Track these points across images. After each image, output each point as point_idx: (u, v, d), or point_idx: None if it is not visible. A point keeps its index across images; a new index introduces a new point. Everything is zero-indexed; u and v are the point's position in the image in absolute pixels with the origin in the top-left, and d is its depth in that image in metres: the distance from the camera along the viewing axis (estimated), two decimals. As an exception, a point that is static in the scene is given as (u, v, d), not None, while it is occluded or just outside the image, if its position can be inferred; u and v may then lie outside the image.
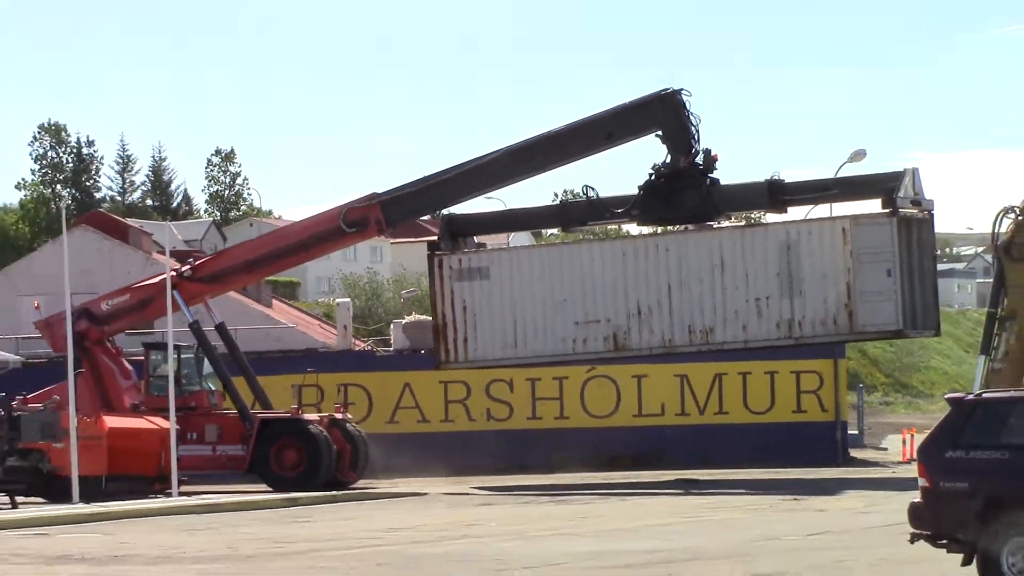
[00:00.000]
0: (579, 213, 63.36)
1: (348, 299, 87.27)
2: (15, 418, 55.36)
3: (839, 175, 61.00)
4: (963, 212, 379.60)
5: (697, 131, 58.53)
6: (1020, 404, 24.83)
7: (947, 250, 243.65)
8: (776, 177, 59.62)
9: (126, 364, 60.52)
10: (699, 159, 58.54)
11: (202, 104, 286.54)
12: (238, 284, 65.91)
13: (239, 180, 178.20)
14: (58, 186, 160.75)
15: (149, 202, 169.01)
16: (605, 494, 55.11)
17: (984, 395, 25.75)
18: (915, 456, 26.32)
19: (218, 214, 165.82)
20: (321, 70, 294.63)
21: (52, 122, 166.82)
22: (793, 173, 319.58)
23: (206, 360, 61.81)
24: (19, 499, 53.35)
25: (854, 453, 73.38)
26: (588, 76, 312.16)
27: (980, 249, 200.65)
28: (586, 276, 60.31)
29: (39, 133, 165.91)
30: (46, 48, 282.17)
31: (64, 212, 68.68)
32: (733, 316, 58.73)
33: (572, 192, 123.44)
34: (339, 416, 61.32)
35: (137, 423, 58.74)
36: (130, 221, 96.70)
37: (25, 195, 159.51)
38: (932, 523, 24.08)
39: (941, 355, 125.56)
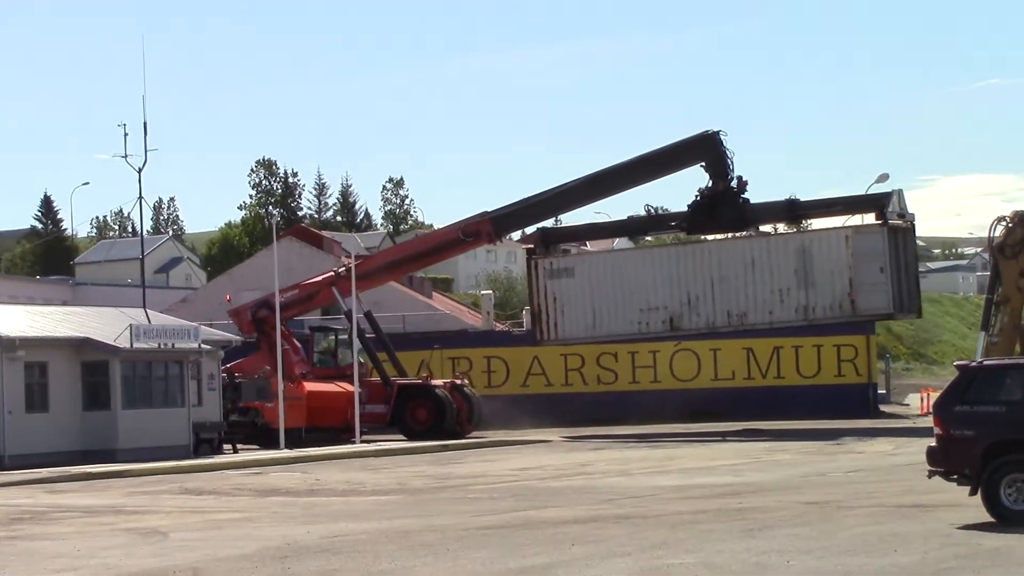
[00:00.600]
0: (642, 226, 65.43)
1: (490, 291, 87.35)
2: (237, 384, 55.67)
3: (868, 192, 61.02)
4: (967, 221, 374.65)
5: (732, 162, 59.82)
6: (1013, 369, 24.64)
7: (953, 249, 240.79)
8: (793, 197, 60.54)
9: (296, 342, 60.85)
10: (733, 183, 59.72)
11: (380, 138, 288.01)
12: (381, 282, 66.37)
13: (407, 201, 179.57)
14: (270, 207, 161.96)
15: (339, 218, 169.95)
16: (689, 441, 54.75)
17: (984, 362, 25.62)
18: (931, 410, 25.91)
19: (391, 227, 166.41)
20: (470, 108, 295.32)
21: (265, 158, 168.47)
22: (828, 191, 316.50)
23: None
24: (239, 446, 53.66)
25: (883, 408, 72.69)
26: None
27: (979, 249, 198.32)
28: (648, 274, 61.21)
29: (255, 167, 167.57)
30: (260, 98, 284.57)
31: (274, 227, 68.94)
32: (762, 303, 59.74)
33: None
34: (459, 382, 61.48)
35: (329, 387, 58.97)
36: (324, 233, 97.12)
37: (245, 214, 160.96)
38: (945, 462, 23.78)
39: (950, 332, 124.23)
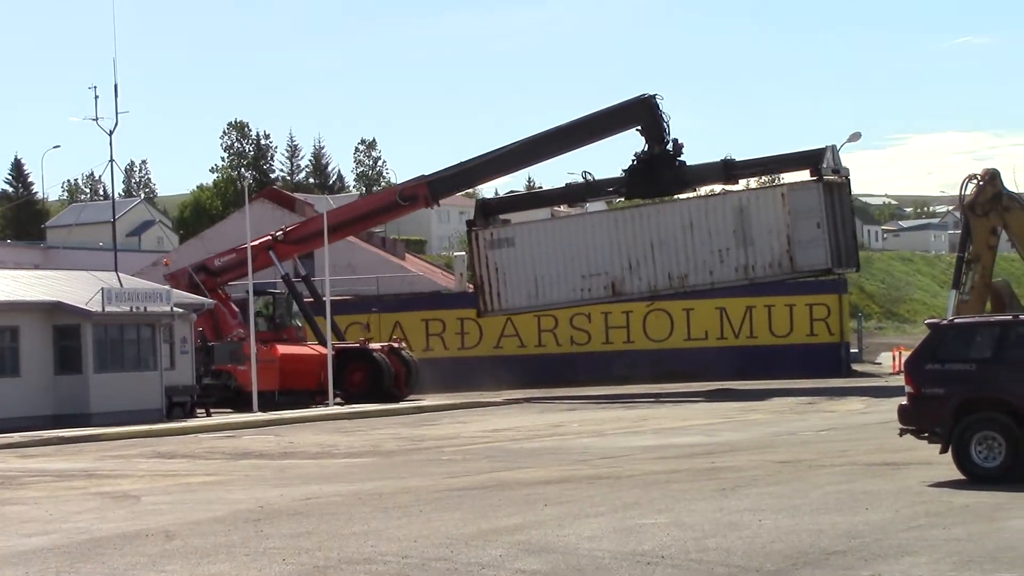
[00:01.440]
0: (580, 193, 64.85)
1: (463, 253, 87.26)
2: (209, 347, 55.58)
3: (840, 153, 61.09)
4: (939, 179, 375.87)
5: (668, 125, 60.40)
6: (983, 327, 24.70)
7: (925, 208, 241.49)
8: (728, 157, 60.85)
9: (233, 306, 60.73)
10: (669, 146, 60.18)
11: (352, 101, 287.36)
12: (319, 245, 66.36)
13: (380, 162, 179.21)
14: (242, 169, 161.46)
15: (312, 180, 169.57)
16: (662, 401, 54.90)
17: (955, 320, 25.65)
18: (902, 368, 25.97)
19: (364, 189, 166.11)
20: (442, 73, 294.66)
21: (237, 120, 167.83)
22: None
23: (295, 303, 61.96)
24: (212, 410, 53.57)
25: (855, 367, 72.94)
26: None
27: (951, 207, 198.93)
28: (588, 240, 61.48)
29: (227, 128, 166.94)
30: (231, 59, 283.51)
31: (246, 189, 68.76)
32: (702, 264, 60.13)
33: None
34: (396, 345, 61.32)
35: (302, 350, 58.93)
36: (297, 195, 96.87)
37: (217, 177, 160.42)
38: (916, 420, 23.87)
39: (922, 290, 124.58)
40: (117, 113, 60.74)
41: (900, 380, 25.66)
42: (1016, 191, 54.31)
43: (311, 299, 61.75)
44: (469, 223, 64.55)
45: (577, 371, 69.69)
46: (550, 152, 63.61)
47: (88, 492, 26.26)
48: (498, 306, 63.13)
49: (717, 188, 68.41)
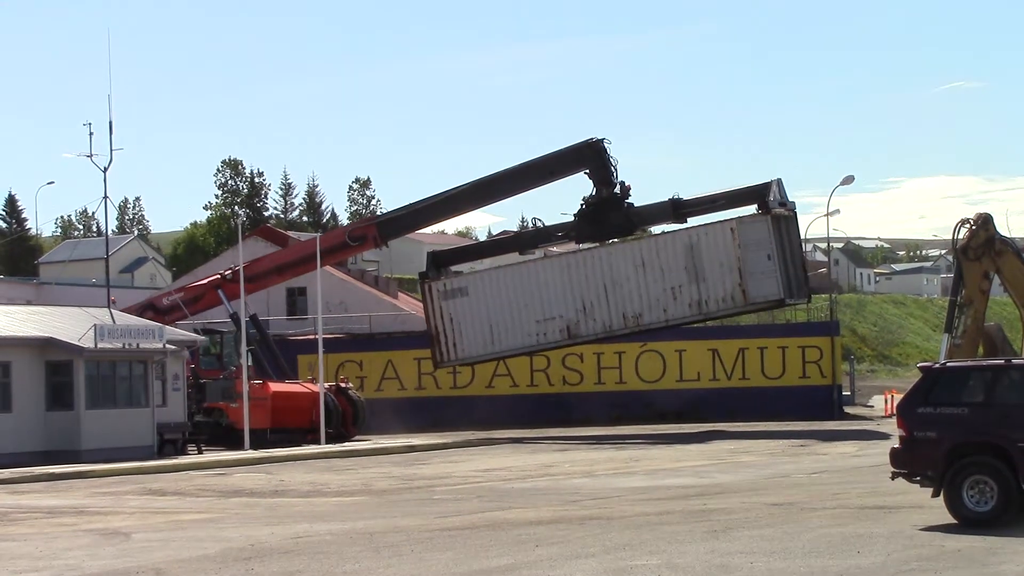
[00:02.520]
0: (530, 239, 65.29)
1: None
2: (201, 384, 55.50)
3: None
4: (931, 223, 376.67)
5: (616, 169, 60.95)
6: (976, 371, 24.70)
7: (918, 251, 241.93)
8: (676, 196, 61.55)
9: None
10: (618, 189, 60.76)
11: (347, 140, 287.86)
12: (269, 284, 66.40)
13: (374, 201, 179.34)
14: (236, 207, 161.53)
15: (305, 219, 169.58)
16: (654, 442, 54.79)
17: (948, 364, 25.66)
18: (895, 412, 25.95)
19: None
20: (437, 112, 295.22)
21: (231, 158, 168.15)
22: (799, 194, 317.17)
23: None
24: (204, 447, 53.46)
25: (847, 410, 72.96)
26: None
27: (943, 251, 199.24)
28: (541, 285, 61.67)
29: (221, 166, 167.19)
30: (226, 97, 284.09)
31: (240, 227, 68.74)
32: (656, 302, 60.37)
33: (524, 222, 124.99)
34: (343, 385, 61.03)
35: (294, 388, 58.83)
36: (291, 233, 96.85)
37: (210, 214, 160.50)
38: (908, 464, 23.85)
39: (914, 333, 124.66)
40: (111, 150, 60.62)
41: (892, 423, 25.66)
42: (1008, 236, 54.37)
43: (260, 338, 61.21)
44: (421, 275, 64.74)
45: (569, 411, 69.64)
46: (499, 194, 64.40)
47: (79, 529, 26.18)
48: (454, 356, 63.16)
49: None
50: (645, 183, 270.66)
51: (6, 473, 40.93)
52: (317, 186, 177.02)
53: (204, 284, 64.64)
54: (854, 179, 77.59)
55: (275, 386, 57.32)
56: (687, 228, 62.47)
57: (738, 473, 37.39)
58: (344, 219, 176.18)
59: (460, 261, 69.25)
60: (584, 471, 40.08)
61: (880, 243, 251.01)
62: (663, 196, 61.97)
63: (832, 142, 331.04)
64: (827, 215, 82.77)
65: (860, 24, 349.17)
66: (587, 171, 60.97)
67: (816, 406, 69.10)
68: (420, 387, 70.75)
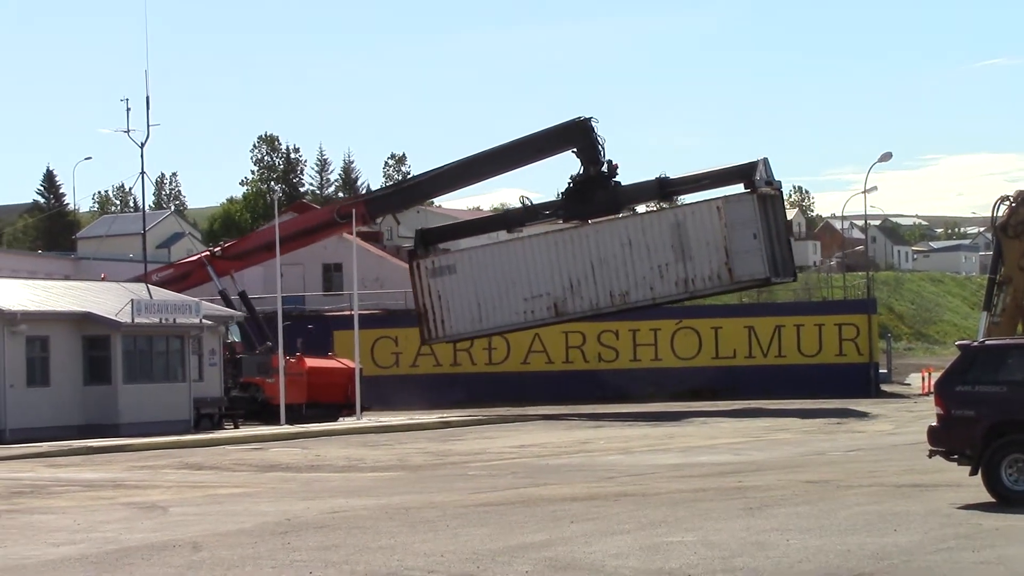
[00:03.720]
0: (518, 217, 65.44)
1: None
2: (237, 359, 55.69)
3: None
4: (970, 200, 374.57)
5: (603, 147, 61.13)
6: (1015, 349, 24.55)
7: (956, 229, 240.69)
8: (663, 175, 61.68)
9: None
10: (605, 168, 60.87)
11: (383, 115, 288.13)
12: (258, 261, 66.50)
13: (409, 177, 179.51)
14: (272, 182, 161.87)
15: (341, 195, 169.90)
16: (689, 419, 54.75)
17: (987, 342, 25.49)
18: (932, 390, 25.85)
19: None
20: (473, 87, 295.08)
21: (267, 133, 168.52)
22: (836, 171, 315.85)
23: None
24: (240, 422, 53.68)
25: (884, 387, 72.77)
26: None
27: (982, 229, 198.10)
28: (529, 263, 61.78)
29: (257, 142, 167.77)
30: (262, 73, 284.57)
31: (276, 202, 68.87)
32: (642, 280, 60.40)
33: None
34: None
35: (330, 363, 58.98)
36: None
37: (247, 190, 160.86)
38: (946, 442, 23.73)
39: (952, 311, 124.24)
40: (149, 125, 60.68)
41: (930, 402, 25.55)
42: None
43: (248, 316, 61.25)
44: (410, 252, 64.78)
45: (604, 387, 69.62)
46: (488, 172, 64.78)
47: (116, 502, 26.32)
48: (442, 332, 63.32)
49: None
50: (679, 163, 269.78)
51: (45, 446, 41.21)
52: (353, 162, 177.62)
53: (193, 261, 65.14)
54: (892, 156, 77.50)
55: (311, 361, 57.49)
56: (673, 207, 63.48)
57: (774, 450, 37.33)
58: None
59: (448, 239, 69.25)
60: (619, 448, 40.08)
61: (918, 220, 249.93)
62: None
63: (870, 119, 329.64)
64: (864, 192, 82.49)
65: (897, 1, 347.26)
66: (575, 150, 61.27)
67: (852, 384, 68.96)
68: (455, 363, 70.90)
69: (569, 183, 61.55)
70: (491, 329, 63.84)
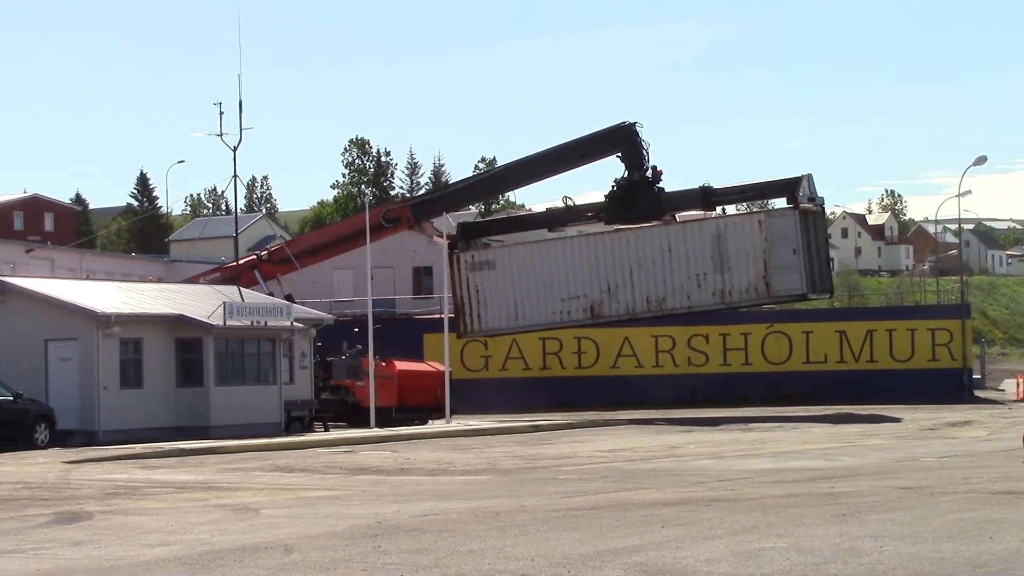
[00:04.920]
0: (561, 217, 65.58)
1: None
2: (327, 362, 55.98)
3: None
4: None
5: (647, 153, 61.33)
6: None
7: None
8: (707, 184, 61.60)
9: None
10: (649, 173, 61.16)
11: (474, 119, 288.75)
12: (304, 265, 66.71)
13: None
14: (362, 186, 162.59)
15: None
16: (780, 424, 54.44)
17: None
18: (1028, 396, 25.52)
19: (483, 207, 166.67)
20: (565, 92, 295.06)
21: (358, 137, 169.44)
22: (929, 175, 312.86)
23: None
24: (330, 425, 53.95)
25: (978, 393, 72.03)
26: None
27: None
28: (568, 263, 62.08)
29: (348, 146, 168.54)
30: (354, 76, 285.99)
31: (367, 206, 69.20)
32: (679, 288, 60.67)
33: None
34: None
35: (420, 367, 59.17)
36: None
37: (337, 193, 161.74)
38: (1042, 449, 23.41)
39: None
40: (241, 129, 61.42)
41: (1025, 407, 25.22)
42: None
43: None
44: (450, 246, 64.98)
45: (695, 392, 69.44)
46: (532, 178, 65.30)
47: (208, 504, 26.51)
48: (478, 327, 63.59)
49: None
50: (767, 165, 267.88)
51: (138, 448, 41.64)
52: (443, 165, 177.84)
53: (240, 265, 65.59)
54: (986, 159, 76.65)
55: (401, 365, 57.70)
56: (715, 217, 63.37)
57: (866, 456, 37.02)
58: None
59: (490, 234, 69.47)
60: (710, 452, 39.90)
61: (1012, 224, 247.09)
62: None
63: (963, 122, 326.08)
64: (959, 196, 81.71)
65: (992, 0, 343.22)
66: (619, 154, 61.37)
67: (946, 389, 68.39)
68: (545, 367, 70.95)
69: (613, 186, 61.80)
70: (527, 327, 64.26)
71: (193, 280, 62.36)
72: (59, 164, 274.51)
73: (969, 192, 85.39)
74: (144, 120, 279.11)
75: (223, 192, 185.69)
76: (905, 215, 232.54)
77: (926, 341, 70.91)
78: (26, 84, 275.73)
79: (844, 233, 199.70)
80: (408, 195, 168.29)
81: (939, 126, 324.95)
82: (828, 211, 66.20)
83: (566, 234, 65.20)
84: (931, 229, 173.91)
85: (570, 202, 63.83)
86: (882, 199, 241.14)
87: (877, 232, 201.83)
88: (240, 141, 60.93)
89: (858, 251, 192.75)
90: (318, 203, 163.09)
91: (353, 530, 21.59)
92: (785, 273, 58.71)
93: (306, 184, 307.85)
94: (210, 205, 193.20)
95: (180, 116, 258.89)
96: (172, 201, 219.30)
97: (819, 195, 60.12)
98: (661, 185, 61.54)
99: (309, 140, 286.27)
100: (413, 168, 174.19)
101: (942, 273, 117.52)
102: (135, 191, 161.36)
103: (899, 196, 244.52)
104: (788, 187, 60.06)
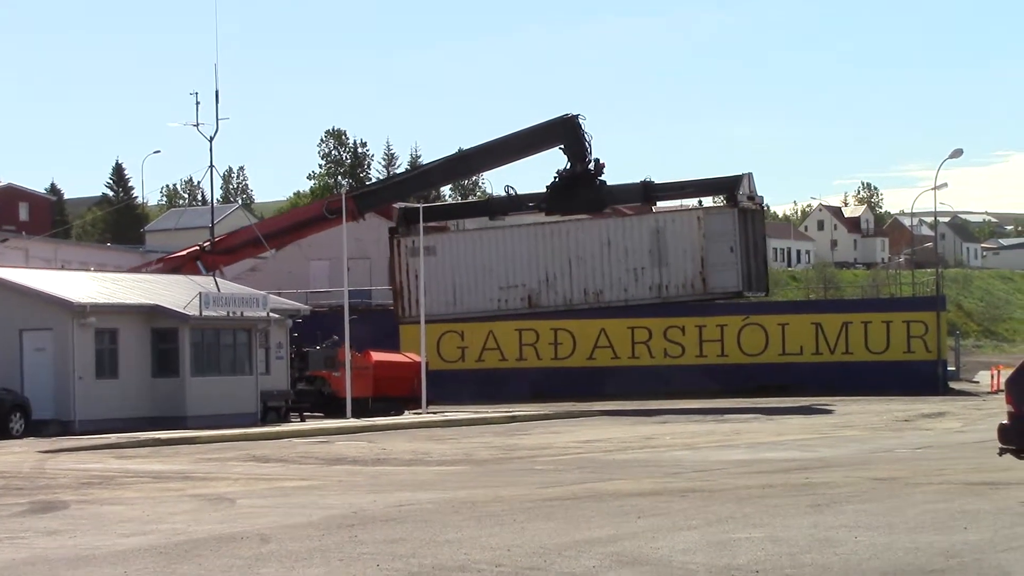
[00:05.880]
0: (502, 206, 66.12)
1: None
2: (304, 353, 55.95)
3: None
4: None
5: (590, 145, 61.87)
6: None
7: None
8: (648, 179, 62.12)
9: None
10: (591, 165, 61.57)
11: (450, 110, 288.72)
12: (246, 256, 67.12)
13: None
14: (339, 177, 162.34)
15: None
16: (755, 415, 54.57)
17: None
18: (1002, 387, 25.59)
19: (460, 198, 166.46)
20: (537, 84, 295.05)
21: (335, 128, 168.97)
22: (906, 168, 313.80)
23: None
24: (306, 415, 53.92)
25: (952, 385, 72.28)
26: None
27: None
28: (507, 252, 62.88)
29: (325, 137, 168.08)
30: (330, 67, 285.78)
31: (343, 197, 69.21)
32: (617, 282, 61.55)
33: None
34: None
35: (396, 357, 59.17)
36: (394, 204, 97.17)
37: (314, 184, 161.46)
38: (1016, 439, 23.55)
39: (1021, 308, 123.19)
40: (217, 119, 61.01)
41: (999, 399, 25.33)
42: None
43: None
44: (391, 230, 65.28)
45: (670, 383, 69.54)
46: (477, 168, 67.08)
47: (184, 494, 26.50)
48: (416, 313, 63.38)
49: None
50: (740, 158, 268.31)
51: (113, 438, 41.57)
52: (420, 156, 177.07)
53: (183, 256, 65.66)
54: (963, 152, 76.83)
55: (377, 355, 57.68)
56: (655, 212, 64.00)
57: (841, 447, 37.14)
58: (446, 190, 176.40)
59: (430, 220, 69.41)
60: (685, 443, 39.98)
61: (988, 217, 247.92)
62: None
63: (939, 115, 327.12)
64: (934, 189, 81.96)
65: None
66: (562, 146, 61.76)
67: (920, 381, 68.65)
68: (521, 358, 71.03)
69: (555, 177, 62.23)
70: (464, 314, 64.89)
71: (136, 270, 62.30)
72: (34, 153, 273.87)
73: (945, 185, 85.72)
74: (120, 110, 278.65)
75: (199, 182, 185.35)
76: (881, 208, 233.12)
77: (901, 333, 71.14)
78: (0, 74, 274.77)
79: (820, 225, 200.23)
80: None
81: (916, 119, 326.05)
82: (804, 204, 66.79)
83: (506, 223, 65.78)
84: (907, 222, 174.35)
85: (512, 191, 64.28)
86: (858, 192, 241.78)
87: (853, 225, 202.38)
88: (216, 131, 60.61)
89: (834, 243, 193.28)
90: (295, 194, 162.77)
91: (329, 520, 21.60)
92: (722, 270, 59.58)
93: (283, 175, 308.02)
94: (186, 195, 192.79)
95: (156, 106, 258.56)
96: (148, 191, 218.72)
97: (759, 195, 60.86)
98: (603, 178, 62.06)
99: (286, 131, 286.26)
100: (390, 159, 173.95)
101: (917, 266, 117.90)
102: (110, 181, 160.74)
103: (875, 189, 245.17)
104: (728, 185, 60.79)
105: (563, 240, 62.33)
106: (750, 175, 60.40)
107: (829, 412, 55.40)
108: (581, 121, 61.38)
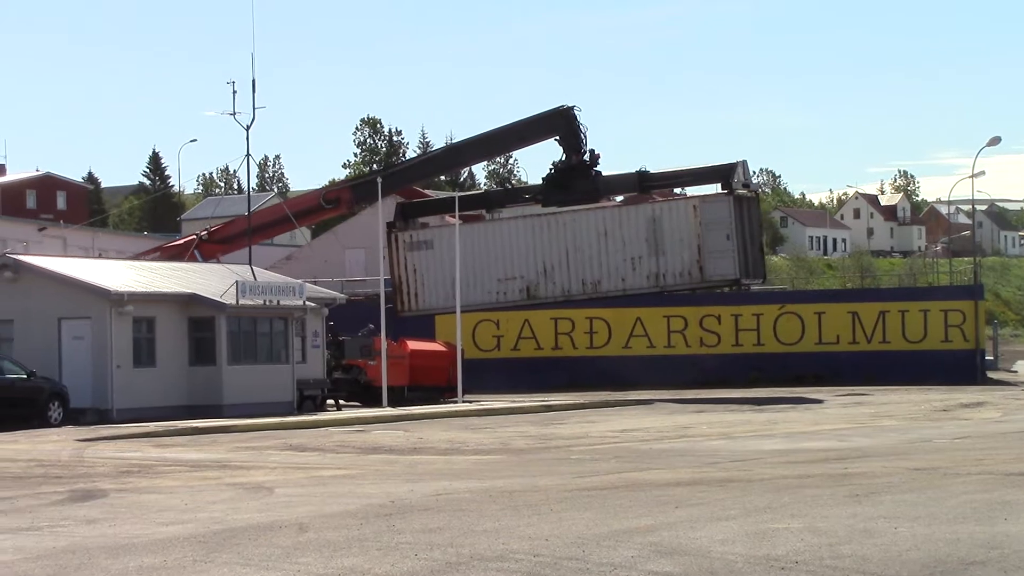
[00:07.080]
0: (499, 198, 67.33)
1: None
2: (340, 341, 56.04)
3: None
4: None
5: (585, 136, 62.00)
6: None
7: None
8: (643, 169, 62.34)
9: None
10: (587, 156, 61.75)
11: (485, 98, 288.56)
12: (243, 245, 66.92)
13: (511, 160, 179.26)
14: (373, 165, 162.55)
15: (443, 177, 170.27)
16: (792, 405, 54.41)
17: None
18: (1042, 377, 25.43)
19: (493, 186, 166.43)
20: (574, 71, 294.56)
21: (370, 116, 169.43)
22: (943, 156, 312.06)
23: None
24: (342, 404, 54.02)
25: (990, 375, 71.93)
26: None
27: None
28: (505, 244, 63.30)
29: (360, 125, 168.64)
30: (365, 56, 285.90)
31: (379, 185, 69.22)
32: (614, 271, 61.99)
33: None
34: None
35: (432, 346, 59.23)
36: (428, 191, 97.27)
37: (349, 172, 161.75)
38: (1056, 431, 23.36)
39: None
40: (254, 108, 60.96)
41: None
42: None
43: None
44: (389, 224, 65.40)
45: (706, 373, 69.37)
46: (471, 159, 67.02)
47: (222, 483, 26.58)
48: (415, 306, 64.46)
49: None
50: (775, 143, 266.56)
51: (151, 426, 41.71)
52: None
53: (181, 244, 65.92)
54: (1001, 140, 76.43)
55: (413, 344, 57.76)
56: (651, 202, 64.61)
57: (879, 437, 37.00)
58: (480, 177, 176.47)
59: (428, 214, 69.94)
60: (722, 433, 39.91)
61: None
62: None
63: (977, 102, 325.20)
64: (972, 177, 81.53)
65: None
66: (557, 138, 61.91)
67: (958, 370, 68.31)
68: (556, 347, 70.96)
69: (550, 169, 62.37)
70: (464, 307, 64.53)
71: (137, 258, 62.51)
72: (72, 143, 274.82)
73: (983, 173, 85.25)
74: (156, 99, 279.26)
75: (235, 171, 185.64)
76: (918, 196, 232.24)
77: (939, 322, 70.78)
78: (39, 63, 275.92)
79: (856, 214, 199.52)
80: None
81: (953, 106, 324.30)
82: (840, 192, 66.82)
83: (504, 216, 66.00)
84: (944, 210, 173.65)
85: (508, 184, 64.77)
86: (895, 180, 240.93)
87: (889, 213, 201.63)
88: (253, 120, 60.47)
89: (870, 232, 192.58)
90: (329, 182, 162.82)
91: (367, 509, 21.63)
92: (719, 258, 59.87)
93: (318, 163, 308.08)
94: (222, 184, 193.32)
95: (192, 95, 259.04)
96: (184, 180, 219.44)
97: (754, 182, 60.88)
98: (599, 168, 62.25)
99: (321, 119, 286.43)
100: (425, 147, 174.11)
101: (955, 254, 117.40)
102: (147, 170, 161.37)
103: (912, 177, 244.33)
104: (723, 173, 60.91)
105: (560, 231, 62.72)
106: (744, 162, 60.75)
107: (867, 402, 55.19)
108: (576, 112, 61.60)
